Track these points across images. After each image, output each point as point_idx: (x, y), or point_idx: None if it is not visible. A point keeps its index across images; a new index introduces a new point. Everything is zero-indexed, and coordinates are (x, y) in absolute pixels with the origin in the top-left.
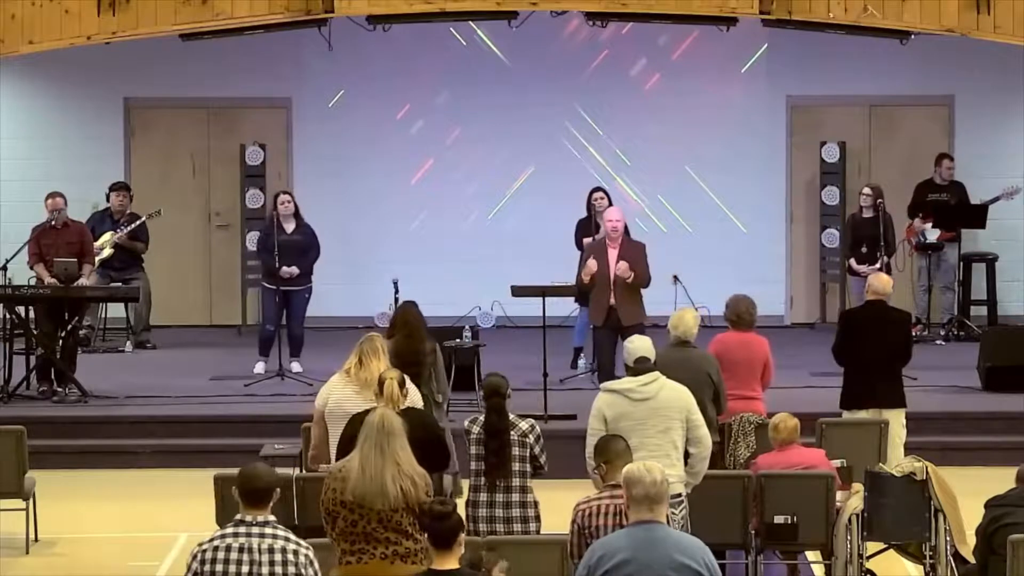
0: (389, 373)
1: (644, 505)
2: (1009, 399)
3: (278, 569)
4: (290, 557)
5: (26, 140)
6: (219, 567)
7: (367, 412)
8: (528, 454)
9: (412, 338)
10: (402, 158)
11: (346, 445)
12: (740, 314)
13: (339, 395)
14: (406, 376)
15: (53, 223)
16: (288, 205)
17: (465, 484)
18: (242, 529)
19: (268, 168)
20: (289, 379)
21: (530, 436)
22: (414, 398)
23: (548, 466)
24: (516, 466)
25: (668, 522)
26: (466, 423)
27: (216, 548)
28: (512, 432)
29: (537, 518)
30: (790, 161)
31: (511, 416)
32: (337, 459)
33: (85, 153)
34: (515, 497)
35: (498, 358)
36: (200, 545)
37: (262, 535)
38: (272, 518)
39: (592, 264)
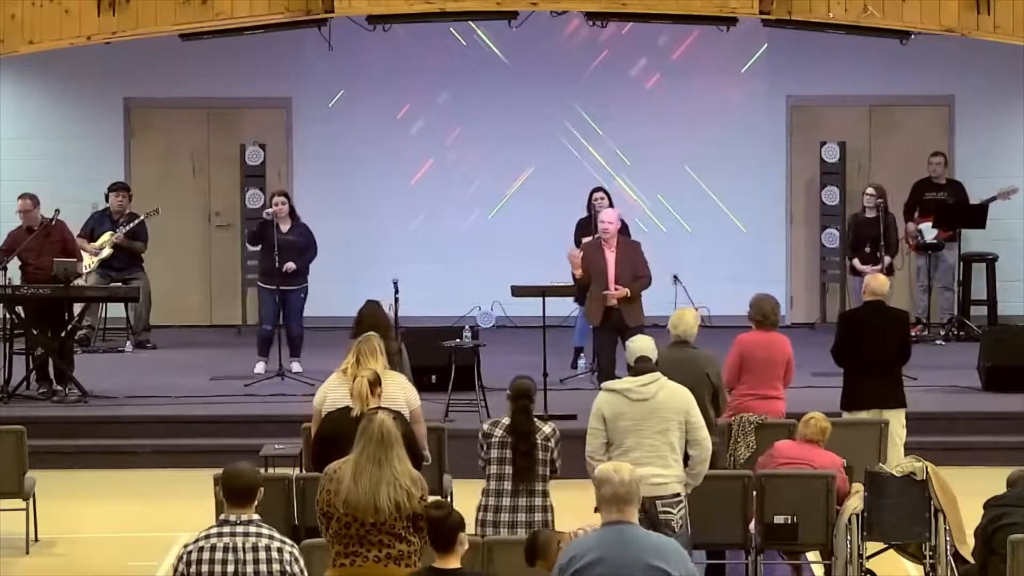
0: (363, 372)
1: (613, 505)
2: (1009, 399)
3: (263, 567)
4: (274, 555)
5: (26, 140)
6: (204, 567)
7: (340, 411)
8: (549, 457)
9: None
10: (402, 158)
11: (323, 444)
12: (766, 314)
13: (336, 395)
14: (384, 376)
15: (29, 225)
16: (283, 207)
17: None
18: (226, 528)
19: (268, 168)
20: (289, 379)
21: (552, 440)
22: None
23: None
24: (540, 470)
25: (644, 522)
26: (486, 426)
27: (201, 548)
28: (536, 436)
29: (553, 521)
30: (790, 161)
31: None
32: (314, 457)
33: (85, 153)
34: (537, 501)
35: (498, 358)
36: (186, 546)
37: (246, 534)
38: (256, 517)
39: (574, 254)
